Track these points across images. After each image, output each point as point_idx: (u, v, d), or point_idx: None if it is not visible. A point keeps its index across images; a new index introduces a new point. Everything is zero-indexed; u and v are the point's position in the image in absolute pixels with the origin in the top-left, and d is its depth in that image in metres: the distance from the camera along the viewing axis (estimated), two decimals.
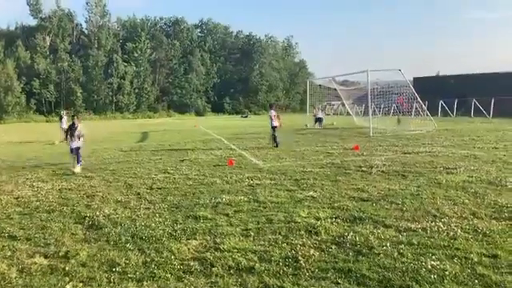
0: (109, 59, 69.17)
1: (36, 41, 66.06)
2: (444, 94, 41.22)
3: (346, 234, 5.40)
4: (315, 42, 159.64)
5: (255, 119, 50.52)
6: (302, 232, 5.58)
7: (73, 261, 4.86)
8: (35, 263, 4.82)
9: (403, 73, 22.91)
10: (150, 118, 66.13)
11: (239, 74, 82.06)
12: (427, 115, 24.57)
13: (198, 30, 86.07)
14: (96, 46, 68.86)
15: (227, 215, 6.58)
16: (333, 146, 16.04)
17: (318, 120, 28.11)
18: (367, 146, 15.27)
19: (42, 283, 4.27)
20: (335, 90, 36.14)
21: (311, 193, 7.82)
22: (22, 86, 61.68)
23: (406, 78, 24.48)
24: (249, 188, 8.61)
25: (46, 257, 5.03)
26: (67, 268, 4.64)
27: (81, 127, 12.19)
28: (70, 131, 12.15)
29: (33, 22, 70.18)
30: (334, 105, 57.24)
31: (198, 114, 73.91)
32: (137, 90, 71.28)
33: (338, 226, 5.78)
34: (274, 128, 16.79)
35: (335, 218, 6.17)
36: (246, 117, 61.33)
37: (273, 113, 17.13)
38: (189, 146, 18.21)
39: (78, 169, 11.49)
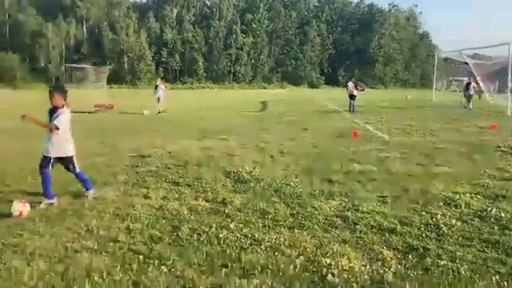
0: (228, 30, 72.23)
1: (165, 12, 71.59)
2: None
3: (489, 209, 5.33)
4: (441, 13, 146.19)
5: (371, 93, 48.89)
6: (441, 203, 5.64)
7: (230, 206, 5.61)
8: (199, 205, 5.67)
9: None
10: (264, 88, 68.00)
11: (356, 46, 79.36)
12: None
13: (316, 0, 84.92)
14: (217, 17, 72.24)
15: (360, 182, 6.86)
16: (464, 123, 15.14)
17: (469, 97, 24.26)
18: (505, 126, 14.10)
19: (209, 220, 5.06)
20: (465, 63, 33.14)
21: (446, 168, 7.70)
22: (152, 55, 67.90)
23: None
24: (378, 159, 8.74)
25: (207, 201, 5.88)
26: (226, 211, 5.40)
27: (65, 114, 5.77)
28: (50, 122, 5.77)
29: None
30: (460, 81, 52.74)
31: (312, 86, 73.81)
32: (253, 61, 73.64)
33: (479, 202, 5.70)
34: (352, 96, 21.14)
35: (475, 193, 6.07)
36: (363, 90, 59.64)
37: (351, 84, 21.54)
38: (309, 116, 18.66)
39: (91, 193, 6.06)
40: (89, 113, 19.83)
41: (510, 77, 20.20)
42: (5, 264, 3.87)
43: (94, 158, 8.88)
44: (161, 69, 69.26)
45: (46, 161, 5.72)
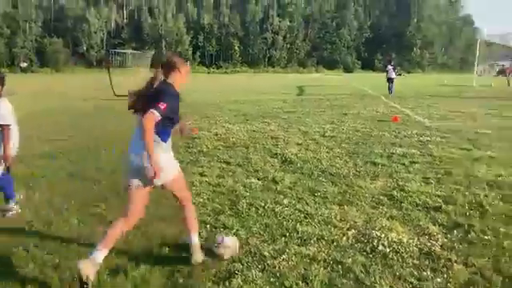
0: (265, 14, 72.02)
1: None
2: None
3: None
4: None
5: (408, 78, 47.91)
6: (484, 185, 5.84)
7: (280, 184, 6.02)
8: (252, 182, 6.11)
9: None
10: (299, 73, 67.64)
11: (394, 29, 77.41)
12: None
13: None
14: (254, 1, 72.06)
15: (403, 165, 7.11)
16: (508, 109, 14.89)
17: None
18: None
19: (263, 196, 5.49)
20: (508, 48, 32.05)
21: (488, 152, 7.81)
22: (189, 39, 68.73)
23: None
24: (420, 143, 8.93)
25: (258, 179, 6.30)
26: (278, 188, 5.81)
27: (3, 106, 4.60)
28: None
29: None
30: (503, 65, 50.81)
31: (347, 70, 72.84)
32: (288, 45, 73.29)
33: None
34: (391, 80, 23.02)
35: None
36: (400, 75, 58.37)
37: (390, 67, 23.29)
38: (347, 101, 18.77)
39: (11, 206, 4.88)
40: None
41: None
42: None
43: None
44: (197, 53, 70.09)
45: None
